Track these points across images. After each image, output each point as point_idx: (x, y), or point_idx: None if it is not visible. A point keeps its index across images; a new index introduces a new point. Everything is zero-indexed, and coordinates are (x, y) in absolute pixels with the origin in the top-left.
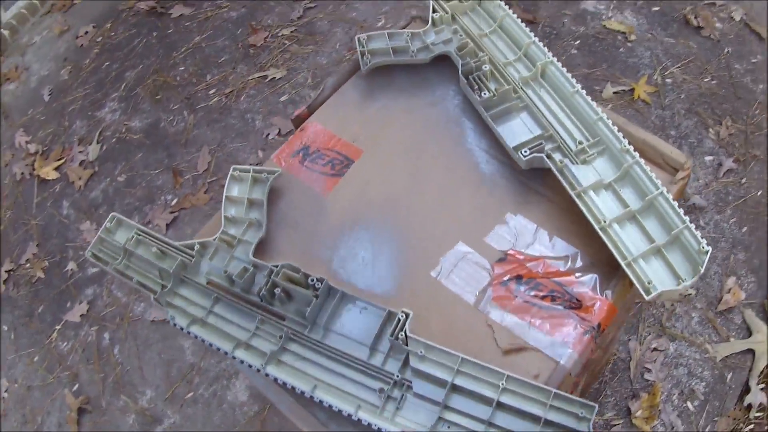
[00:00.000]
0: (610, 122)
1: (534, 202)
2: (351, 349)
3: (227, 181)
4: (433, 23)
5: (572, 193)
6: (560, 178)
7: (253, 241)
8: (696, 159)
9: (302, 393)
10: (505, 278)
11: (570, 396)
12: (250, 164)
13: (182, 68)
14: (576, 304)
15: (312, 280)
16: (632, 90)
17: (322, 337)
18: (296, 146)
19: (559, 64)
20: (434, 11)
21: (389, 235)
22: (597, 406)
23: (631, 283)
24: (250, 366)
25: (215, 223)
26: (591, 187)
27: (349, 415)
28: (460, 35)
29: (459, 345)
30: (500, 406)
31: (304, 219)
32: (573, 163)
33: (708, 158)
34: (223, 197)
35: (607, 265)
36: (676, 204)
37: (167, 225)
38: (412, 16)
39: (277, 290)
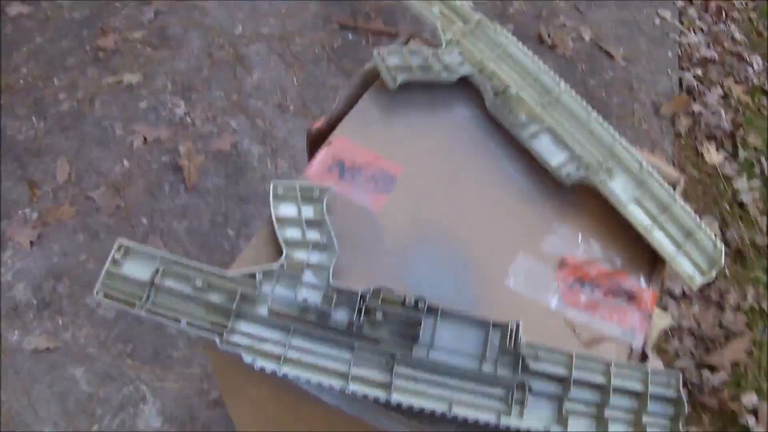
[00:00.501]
0: (624, 142)
1: (572, 213)
2: (461, 363)
3: (270, 199)
4: (446, 44)
5: (616, 206)
6: (603, 192)
7: (326, 264)
8: None
9: (434, 413)
10: (570, 281)
11: (659, 369)
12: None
13: (25, 71)
14: (632, 297)
15: (411, 301)
16: None
17: (428, 355)
18: (329, 161)
19: (573, 92)
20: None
21: (453, 251)
22: (680, 371)
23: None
24: (365, 396)
25: (256, 250)
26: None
27: (487, 424)
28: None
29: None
30: (612, 390)
31: (360, 238)
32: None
33: None
34: (272, 218)
35: (645, 264)
36: (691, 210)
37: (31, 243)
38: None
39: (378, 314)
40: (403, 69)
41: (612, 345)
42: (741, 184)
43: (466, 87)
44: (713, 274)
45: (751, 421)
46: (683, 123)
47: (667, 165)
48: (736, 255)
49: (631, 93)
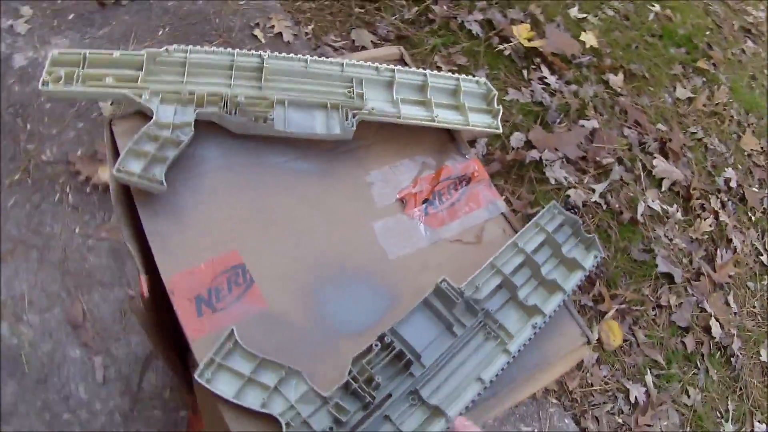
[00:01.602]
0: (355, 61)
1: (370, 157)
2: (443, 346)
3: None
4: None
5: (392, 120)
6: (374, 119)
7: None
8: None
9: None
10: (421, 211)
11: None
12: None
13: None
14: (468, 177)
15: (378, 344)
16: None
17: (424, 368)
18: (189, 309)
19: (277, 54)
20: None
21: (338, 272)
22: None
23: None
24: None
25: None
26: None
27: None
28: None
29: (463, 271)
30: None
31: (284, 333)
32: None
33: None
34: None
35: (451, 144)
36: (446, 74)
37: None
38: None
39: (377, 378)
40: (152, 164)
41: (493, 225)
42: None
43: (206, 129)
44: (497, 105)
45: None
46: None
47: (389, 48)
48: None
49: None
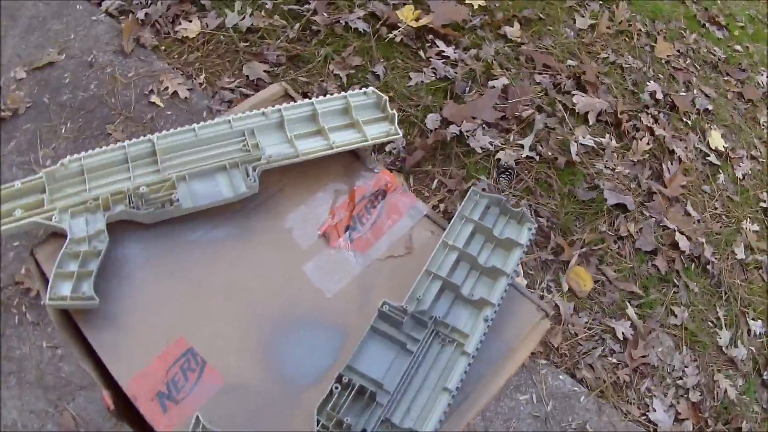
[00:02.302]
0: (234, 116)
1: (282, 203)
2: (401, 366)
3: None
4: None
5: (291, 160)
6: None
7: None
8: None
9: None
10: (344, 239)
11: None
12: None
13: None
14: (382, 191)
15: (337, 386)
16: None
17: (391, 397)
18: (151, 407)
19: (157, 135)
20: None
21: (284, 327)
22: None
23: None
24: None
25: None
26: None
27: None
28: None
29: (403, 285)
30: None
31: (254, 404)
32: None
33: None
34: None
35: (356, 163)
36: (331, 97)
37: None
38: None
39: (346, 420)
40: (79, 281)
41: (419, 230)
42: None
43: (121, 228)
44: (390, 110)
45: None
46: None
47: (271, 87)
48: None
49: None
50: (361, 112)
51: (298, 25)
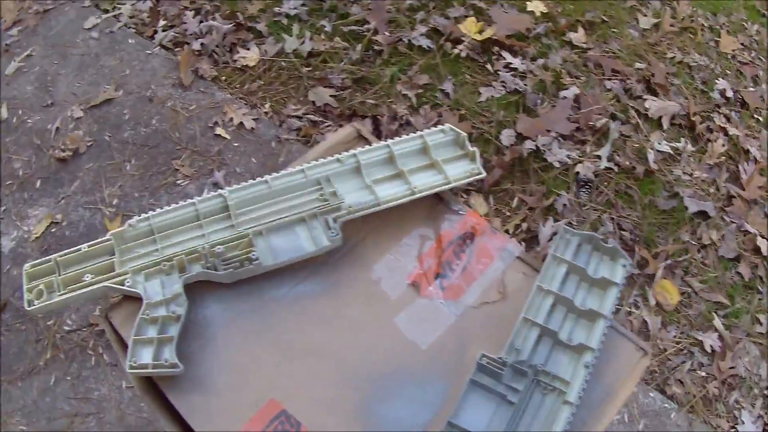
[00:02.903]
0: (320, 162)
1: (367, 255)
2: (501, 414)
3: None
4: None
5: (373, 208)
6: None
7: None
8: None
9: None
10: (435, 287)
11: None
12: None
13: None
14: (470, 234)
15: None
16: None
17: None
18: None
19: (229, 190)
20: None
21: (381, 384)
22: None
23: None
24: None
25: None
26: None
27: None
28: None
29: (500, 332)
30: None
31: None
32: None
33: None
34: None
35: (442, 206)
36: (405, 138)
37: None
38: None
39: None
40: (160, 348)
41: (512, 273)
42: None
43: (200, 288)
44: (470, 147)
45: None
46: None
47: (344, 130)
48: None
49: None
50: (440, 151)
51: (360, 46)
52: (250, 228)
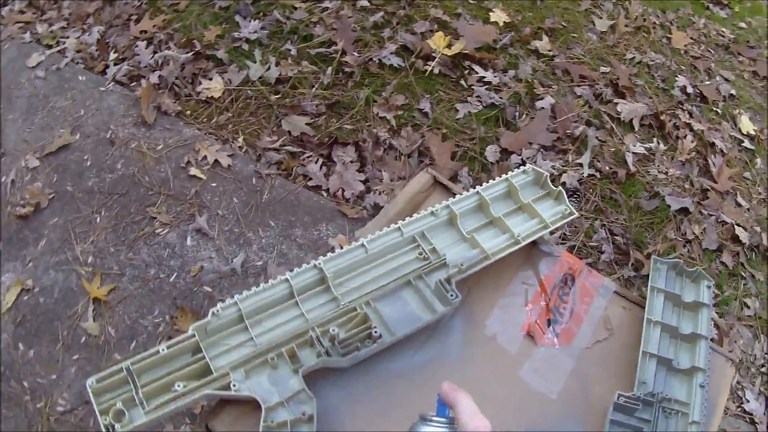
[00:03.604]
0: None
1: (478, 310)
2: None
3: None
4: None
5: (483, 262)
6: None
7: None
8: None
9: None
10: (549, 335)
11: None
12: None
13: None
14: (570, 276)
15: None
16: None
17: None
18: None
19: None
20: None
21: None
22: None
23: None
24: None
25: None
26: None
27: None
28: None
29: (617, 368)
30: None
31: None
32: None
33: None
34: None
35: (530, 249)
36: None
37: None
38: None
39: None
40: None
41: (613, 308)
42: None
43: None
44: (554, 186)
45: None
46: None
47: (420, 177)
48: None
49: None
50: (525, 193)
51: (329, 69)
52: (355, 300)
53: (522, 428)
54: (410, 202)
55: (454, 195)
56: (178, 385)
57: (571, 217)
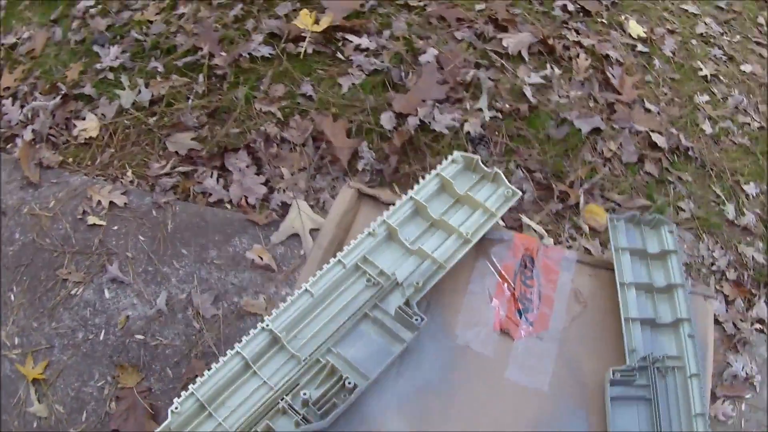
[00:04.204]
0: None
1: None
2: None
3: None
4: None
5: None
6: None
7: None
8: None
9: None
10: (523, 325)
11: None
12: None
13: None
14: (529, 259)
15: None
16: None
17: None
18: None
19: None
20: None
21: None
22: None
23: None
24: None
25: None
26: None
27: None
28: None
29: (602, 339)
30: None
31: None
32: None
33: None
34: None
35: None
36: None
37: None
38: None
39: None
40: None
41: (580, 278)
42: None
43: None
44: (488, 169)
45: None
46: None
47: (344, 193)
48: None
49: None
50: (460, 183)
51: (201, 76)
52: (316, 351)
53: (529, 426)
54: (340, 225)
55: (385, 204)
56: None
57: (515, 198)
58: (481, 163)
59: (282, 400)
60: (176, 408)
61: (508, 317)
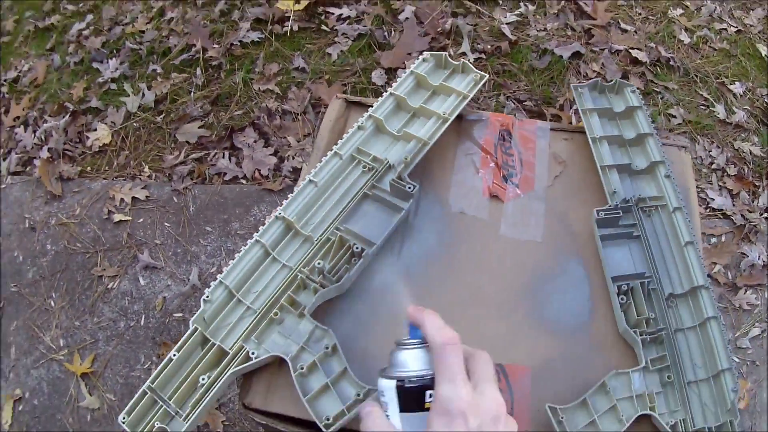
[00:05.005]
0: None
1: (417, 195)
2: (636, 249)
3: None
4: None
5: None
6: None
7: None
8: None
9: None
10: (510, 187)
11: None
12: None
13: None
14: (507, 133)
15: (624, 296)
16: None
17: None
18: None
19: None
20: None
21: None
22: None
23: None
24: None
25: None
26: None
27: None
28: None
29: (586, 194)
30: None
31: None
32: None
33: None
34: None
35: (458, 123)
36: None
37: None
38: None
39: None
40: (340, 385)
41: (557, 143)
42: None
43: (318, 317)
44: (455, 61)
45: None
46: None
47: (335, 108)
48: None
49: None
50: (433, 78)
51: (198, 70)
52: (326, 231)
53: (529, 280)
54: (333, 130)
55: (371, 106)
56: (203, 379)
57: (484, 80)
58: (449, 58)
59: (300, 272)
60: (207, 297)
61: (495, 183)
